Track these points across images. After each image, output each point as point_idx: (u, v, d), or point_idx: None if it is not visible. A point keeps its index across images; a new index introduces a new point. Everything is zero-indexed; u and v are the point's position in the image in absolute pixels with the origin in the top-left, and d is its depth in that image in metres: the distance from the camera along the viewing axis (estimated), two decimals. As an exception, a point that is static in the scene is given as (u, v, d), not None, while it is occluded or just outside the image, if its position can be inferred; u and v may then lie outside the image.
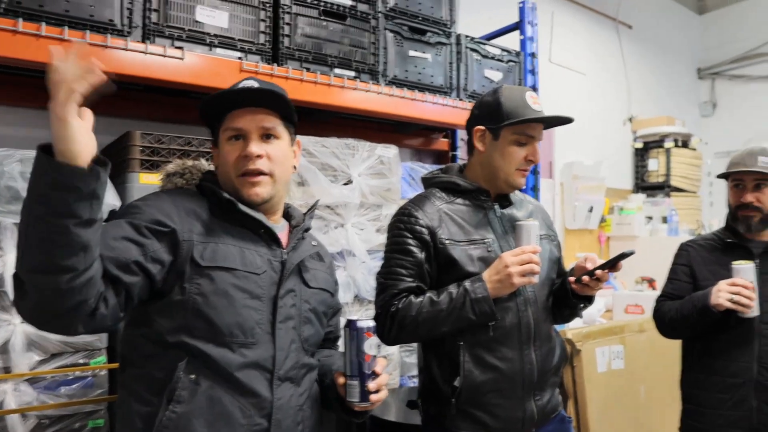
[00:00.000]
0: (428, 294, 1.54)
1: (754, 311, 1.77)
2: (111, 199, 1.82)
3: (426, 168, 2.91)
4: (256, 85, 1.28)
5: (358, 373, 1.22)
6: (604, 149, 4.44)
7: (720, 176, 2.05)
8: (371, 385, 1.23)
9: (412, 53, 2.56)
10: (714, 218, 4.71)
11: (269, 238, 1.27)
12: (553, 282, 1.69)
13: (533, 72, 2.88)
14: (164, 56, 1.92)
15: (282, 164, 1.30)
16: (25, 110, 2.17)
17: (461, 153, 3.21)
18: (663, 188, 4.50)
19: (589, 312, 3.14)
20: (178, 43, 1.98)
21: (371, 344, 1.23)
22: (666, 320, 2.02)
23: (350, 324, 1.23)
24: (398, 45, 2.52)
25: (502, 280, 1.48)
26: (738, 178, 1.99)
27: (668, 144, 4.51)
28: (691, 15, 5.61)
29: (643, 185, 4.62)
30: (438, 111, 2.59)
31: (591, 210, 4.05)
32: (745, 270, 1.78)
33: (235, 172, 1.26)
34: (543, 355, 1.60)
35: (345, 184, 2.37)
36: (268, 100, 1.28)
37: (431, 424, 1.64)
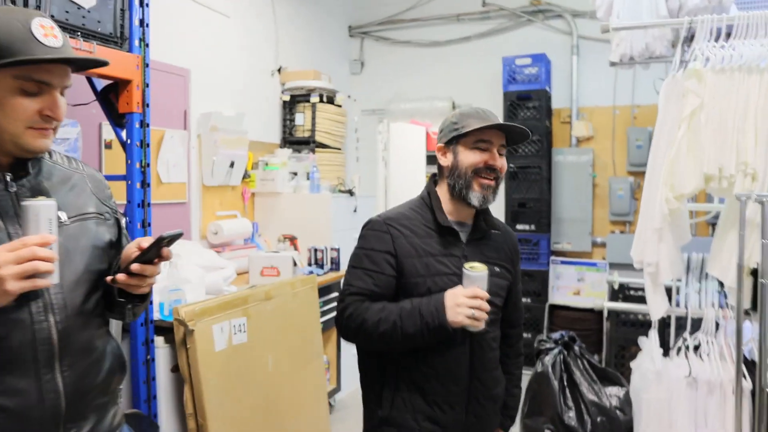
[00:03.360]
0: None
1: (480, 325, 1.50)
2: None
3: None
4: None
5: None
6: (249, 101, 4.18)
7: (457, 137, 1.63)
8: None
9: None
10: (356, 174, 4.90)
11: None
12: (99, 275, 1.30)
13: (142, 3, 2.38)
14: None
15: None
16: None
17: None
18: (309, 143, 4.47)
19: (215, 281, 2.87)
20: None
21: None
22: (369, 330, 1.55)
23: None
24: None
25: None
26: (485, 139, 1.61)
27: (314, 99, 4.46)
28: (345, -29, 5.67)
29: (291, 140, 4.52)
30: None
31: (232, 165, 3.77)
32: (482, 278, 1.49)
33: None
34: (77, 376, 1.23)
35: None
36: None
37: None
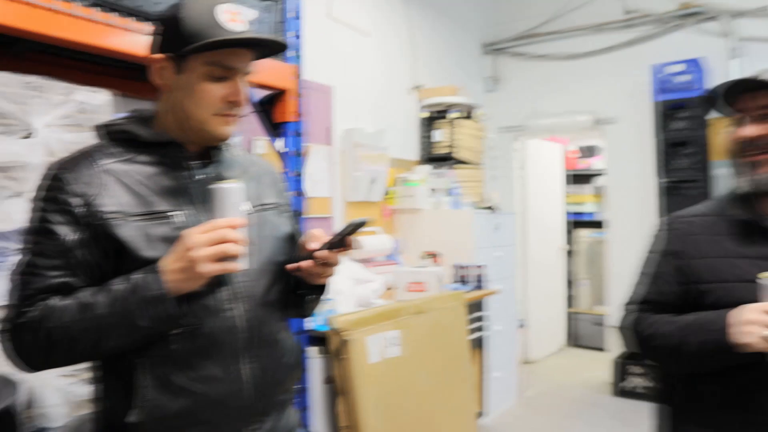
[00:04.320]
0: (81, 294, 1.02)
1: None
2: None
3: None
4: None
5: None
6: (388, 117, 4.19)
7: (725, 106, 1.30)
8: None
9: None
10: (495, 191, 4.74)
11: None
12: (280, 266, 1.25)
13: (299, 17, 2.42)
14: None
15: None
16: None
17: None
18: (448, 160, 4.38)
19: (364, 294, 2.81)
20: None
21: None
22: (650, 344, 1.31)
23: None
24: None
25: (185, 268, 1.01)
26: (741, 107, 1.27)
27: (453, 115, 4.38)
28: (477, -10, 5.61)
29: (429, 157, 4.46)
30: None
31: (374, 181, 3.75)
32: None
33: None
34: (264, 369, 1.18)
35: (24, 137, 1.71)
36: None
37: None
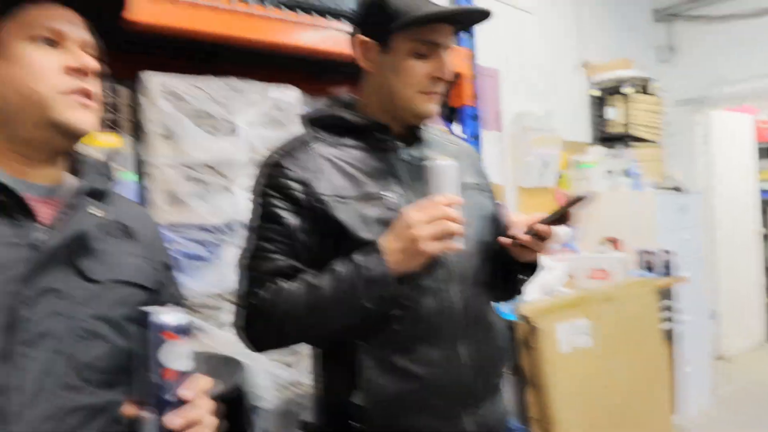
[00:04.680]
0: (305, 276, 1.04)
1: None
2: None
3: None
4: None
5: (154, 399, 0.73)
6: (556, 98, 3.99)
7: None
8: (172, 419, 0.73)
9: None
10: (678, 170, 4.34)
11: (14, 206, 0.77)
12: (488, 247, 1.21)
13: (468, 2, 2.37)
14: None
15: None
16: None
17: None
18: (623, 139, 4.08)
19: (547, 281, 2.69)
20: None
21: (176, 352, 0.74)
22: None
23: (141, 318, 0.76)
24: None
25: (407, 248, 0.99)
26: None
27: (626, 90, 4.07)
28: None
29: (603, 136, 4.18)
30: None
31: (545, 165, 3.60)
32: None
33: (55, 88, 0.81)
34: (480, 351, 1.14)
35: (229, 135, 1.84)
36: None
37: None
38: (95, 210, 0.85)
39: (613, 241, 3.54)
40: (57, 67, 0.81)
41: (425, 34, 1.10)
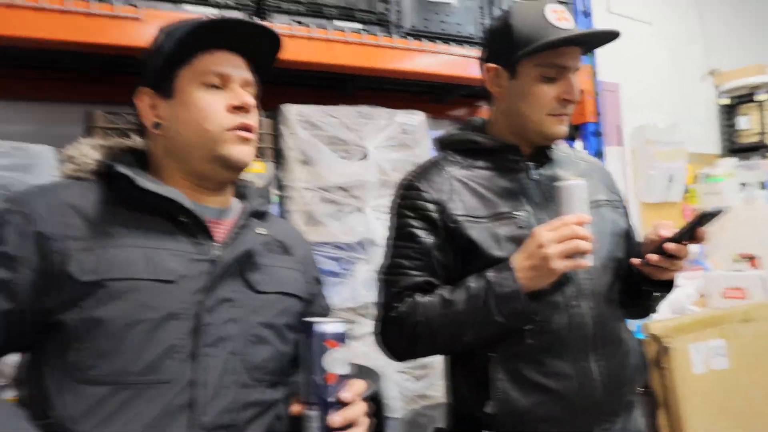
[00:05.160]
0: (440, 291, 1.11)
1: None
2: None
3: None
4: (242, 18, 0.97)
5: (317, 399, 0.84)
6: (680, 109, 3.82)
7: None
8: (334, 418, 0.83)
9: (433, -2, 2.11)
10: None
11: (194, 227, 0.90)
12: (619, 263, 1.22)
13: (587, 14, 2.37)
14: (112, 16, 1.56)
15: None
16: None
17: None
18: (758, 149, 3.82)
19: (677, 299, 2.59)
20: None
21: (336, 358, 0.84)
22: None
23: (305, 328, 0.85)
24: (415, -11, 2.09)
25: (537, 266, 1.04)
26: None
27: (761, 97, 3.82)
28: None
29: (734, 147, 3.94)
30: (467, 65, 2.12)
31: (671, 179, 3.46)
32: None
33: (221, 126, 0.93)
34: (610, 367, 1.15)
35: (360, 159, 1.97)
36: (257, 42, 0.99)
37: (465, 461, 1.21)
38: (260, 229, 0.98)
39: (750, 258, 3.32)
40: (222, 107, 0.95)
41: (553, 58, 1.15)
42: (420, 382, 2.04)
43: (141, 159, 0.99)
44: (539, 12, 1.15)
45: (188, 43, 0.94)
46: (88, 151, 0.98)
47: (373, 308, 1.89)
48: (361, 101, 2.05)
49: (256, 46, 1.00)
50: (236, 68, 0.98)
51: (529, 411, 1.11)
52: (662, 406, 2.15)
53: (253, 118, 0.98)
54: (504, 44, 1.17)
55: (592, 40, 1.24)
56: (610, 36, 1.19)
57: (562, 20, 1.15)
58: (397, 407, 1.97)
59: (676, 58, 3.91)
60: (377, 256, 1.92)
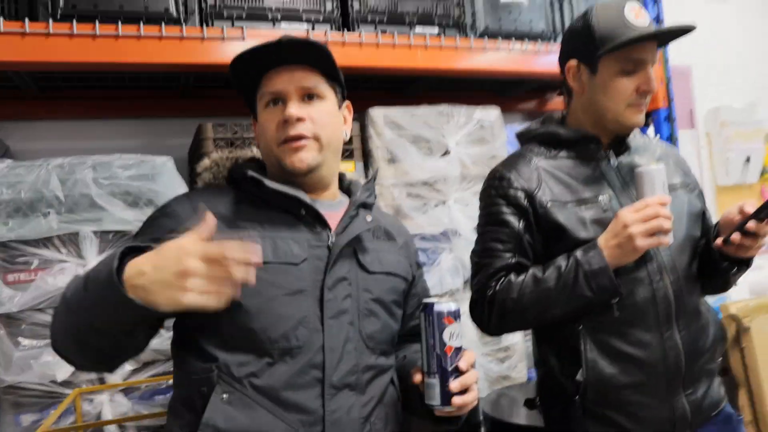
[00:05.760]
0: (531, 270, 1.25)
1: None
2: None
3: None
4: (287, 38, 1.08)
5: (437, 369, 0.99)
6: (759, 88, 3.74)
7: None
8: (453, 384, 0.98)
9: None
10: None
11: (312, 218, 1.06)
12: (697, 242, 1.32)
13: (656, 0, 2.42)
14: (222, 39, 1.77)
15: (328, 127, 1.10)
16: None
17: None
18: (842, 126, 3.70)
19: (756, 279, 2.61)
20: (237, 23, 1.83)
21: (453, 333, 0.99)
22: None
23: (425, 308, 1.01)
24: (486, -10, 2.21)
25: (622, 244, 1.16)
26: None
27: None
28: None
29: (815, 125, 3.83)
30: (542, 61, 2.23)
31: (748, 160, 3.43)
32: None
33: (275, 141, 1.08)
34: (691, 337, 1.26)
35: (442, 155, 2.11)
36: (305, 53, 1.08)
37: (555, 427, 1.35)
38: (368, 217, 1.15)
39: (834, 238, 3.25)
40: (274, 124, 1.09)
41: (632, 53, 1.25)
42: (503, 364, 2.17)
43: (261, 166, 1.18)
44: (619, 11, 1.26)
45: (246, 74, 1.10)
46: (222, 162, 1.19)
47: (458, 293, 2.04)
48: (424, 101, 2.19)
49: (313, 55, 1.10)
50: (290, 82, 1.08)
51: (616, 377, 1.22)
52: (742, 385, 2.20)
53: (302, 126, 1.07)
54: (585, 42, 1.28)
55: (670, 35, 1.33)
56: (685, 31, 1.28)
57: (639, 17, 1.26)
58: (481, 388, 2.10)
59: (752, 36, 3.83)
60: (460, 246, 2.07)
